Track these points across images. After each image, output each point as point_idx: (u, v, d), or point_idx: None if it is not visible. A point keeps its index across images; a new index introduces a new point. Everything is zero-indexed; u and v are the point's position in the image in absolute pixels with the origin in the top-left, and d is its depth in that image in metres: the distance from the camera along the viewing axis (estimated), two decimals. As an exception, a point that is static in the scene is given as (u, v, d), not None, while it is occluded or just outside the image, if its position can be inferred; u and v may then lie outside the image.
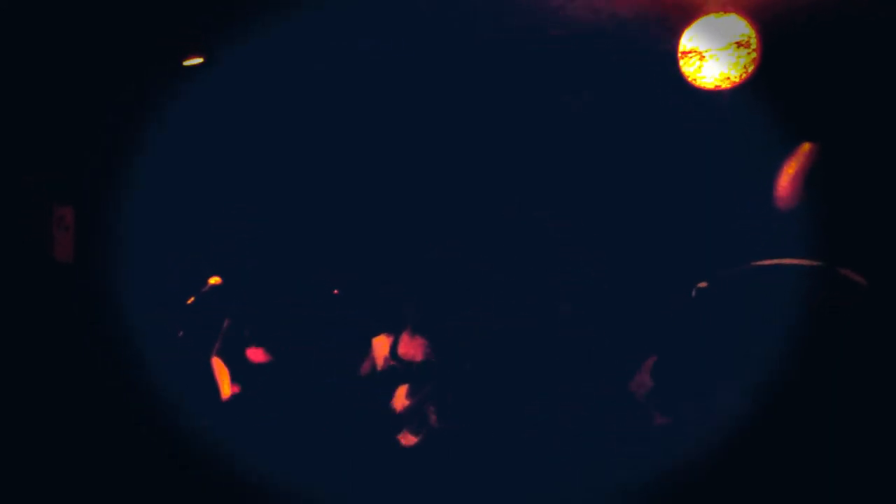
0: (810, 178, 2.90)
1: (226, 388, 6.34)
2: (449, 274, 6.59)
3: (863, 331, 2.68)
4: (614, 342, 5.62)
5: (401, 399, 6.25)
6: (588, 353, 5.67)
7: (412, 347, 6.43)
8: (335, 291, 6.85)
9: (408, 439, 6.16)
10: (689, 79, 5.73)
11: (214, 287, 6.35)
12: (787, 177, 2.95)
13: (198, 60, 6.53)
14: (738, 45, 5.58)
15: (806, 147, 2.97)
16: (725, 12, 5.60)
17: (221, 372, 6.35)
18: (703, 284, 3.04)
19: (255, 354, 6.34)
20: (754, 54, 5.59)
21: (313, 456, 6.02)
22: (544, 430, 5.52)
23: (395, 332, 6.53)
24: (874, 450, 2.63)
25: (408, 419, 6.19)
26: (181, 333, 6.25)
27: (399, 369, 6.36)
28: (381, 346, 6.56)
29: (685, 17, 5.67)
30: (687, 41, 5.68)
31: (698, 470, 2.80)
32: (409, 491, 5.87)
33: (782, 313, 2.75)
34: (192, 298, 6.28)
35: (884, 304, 2.70)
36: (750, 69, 5.61)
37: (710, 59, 5.64)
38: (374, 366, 6.53)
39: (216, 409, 6.12)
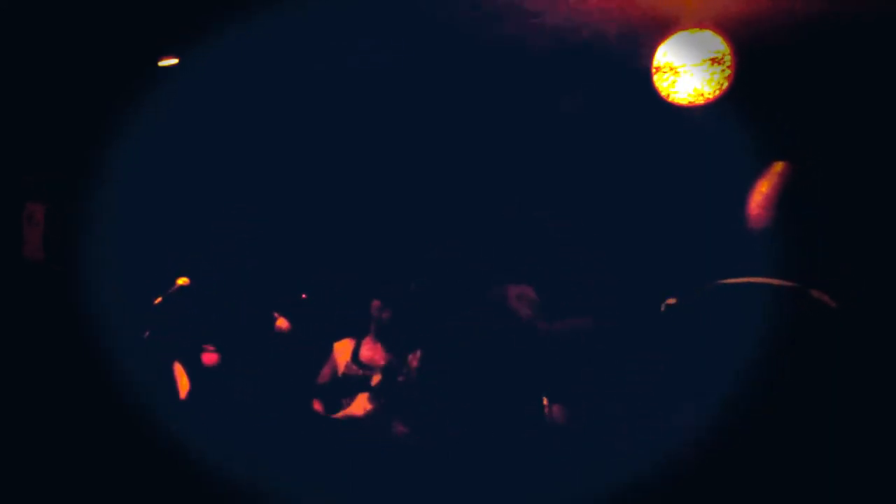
0: (783, 198, 2.91)
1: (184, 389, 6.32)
2: (449, 274, 6.58)
3: (832, 352, 2.69)
4: (608, 345, 5.63)
5: (363, 404, 6.23)
6: (585, 355, 5.67)
7: (375, 352, 6.42)
8: (303, 296, 6.83)
9: (401, 439, 6.14)
10: (663, 94, 5.75)
11: (182, 288, 6.31)
12: (760, 196, 2.96)
13: (173, 61, 6.51)
14: (713, 61, 5.60)
15: (778, 166, 2.99)
16: (700, 28, 5.62)
17: (181, 376, 6.33)
18: (671, 301, 3.05)
19: (210, 358, 6.32)
20: (728, 71, 5.61)
21: (295, 457, 6.00)
22: (541, 431, 5.52)
23: (358, 337, 6.52)
24: (850, 469, 2.65)
25: (370, 426, 6.17)
26: (147, 334, 6.21)
27: (359, 374, 6.34)
28: (343, 349, 6.55)
29: (660, 32, 5.69)
30: (661, 56, 5.70)
31: (673, 483, 2.81)
32: (404, 492, 5.86)
33: (751, 332, 2.76)
34: (160, 299, 6.25)
35: (855, 324, 2.71)
36: (724, 85, 5.63)
37: (685, 75, 5.66)
38: (334, 369, 6.51)
39: (186, 410, 6.09)
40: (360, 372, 6.34)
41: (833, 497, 2.62)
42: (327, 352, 6.59)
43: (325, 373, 6.53)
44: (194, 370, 6.30)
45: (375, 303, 6.49)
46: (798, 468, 2.65)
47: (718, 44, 5.59)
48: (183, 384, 6.30)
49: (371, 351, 6.43)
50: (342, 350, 6.53)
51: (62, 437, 6.03)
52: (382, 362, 6.31)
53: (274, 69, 6.68)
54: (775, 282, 2.80)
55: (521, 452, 5.37)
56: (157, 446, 5.76)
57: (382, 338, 6.44)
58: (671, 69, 5.68)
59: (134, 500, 5.73)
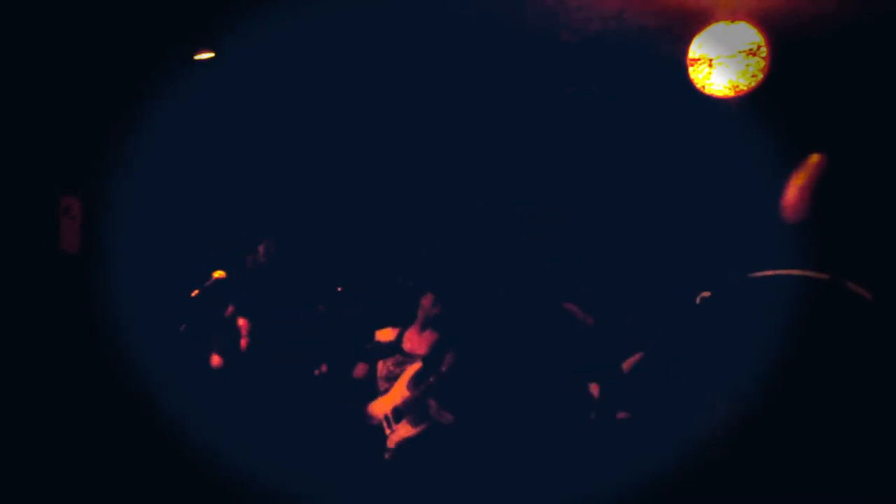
0: (818, 190, 2.90)
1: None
2: (448, 269, 6.60)
3: (866, 343, 2.68)
4: (614, 345, 5.61)
5: (401, 391, 6.25)
6: (587, 354, 5.67)
7: (418, 342, 6.45)
8: (339, 289, 6.86)
9: (406, 432, 6.17)
10: (698, 86, 5.73)
11: (218, 280, 6.35)
12: (795, 188, 2.94)
13: (209, 55, 6.54)
14: (748, 53, 5.58)
15: (814, 158, 2.97)
16: (735, 20, 5.60)
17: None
18: (706, 294, 3.04)
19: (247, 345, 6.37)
20: (763, 63, 5.58)
21: (311, 452, 6.03)
22: (539, 430, 5.52)
23: (402, 326, 6.55)
24: (871, 459, 2.64)
25: (407, 412, 6.20)
26: (183, 327, 6.26)
27: (401, 363, 6.38)
28: (384, 338, 6.58)
29: (695, 25, 5.67)
30: (696, 48, 5.68)
31: (692, 473, 2.80)
32: (404, 488, 5.89)
33: (785, 324, 2.75)
34: (197, 291, 6.29)
35: (889, 316, 2.70)
36: (759, 77, 5.61)
37: (719, 67, 5.64)
38: (374, 359, 6.55)
39: (215, 399, 6.13)
40: (402, 360, 6.38)
41: (866, 486, 2.62)
42: (368, 341, 6.64)
43: (365, 361, 6.58)
44: (229, 361, 6.34)
45: (426, 294, 6.51)
46: (831, 460, 2.65)
47: (753, 36, 5.57)
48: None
49: (413, 341, 6.47)
50: (383, 338, 6.57)
51: (96, 426, 6.08)
52: (423, 352, 6.33)
53: (301, 68, 6.70)
54: (810, 274, 2.79)
55: (558, 442, 5.38)
56: (188, 435, 5.81)
57: (426, 328, 6.46)
58: (706, 61, 5.66)
59: (158, 486, 5.79)
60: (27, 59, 6.12)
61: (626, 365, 5.35)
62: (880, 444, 2.64)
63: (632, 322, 5.73)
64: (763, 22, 5.56)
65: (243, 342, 6.39)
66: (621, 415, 5.29)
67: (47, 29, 6.02)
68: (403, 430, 6.16)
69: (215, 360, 6.38)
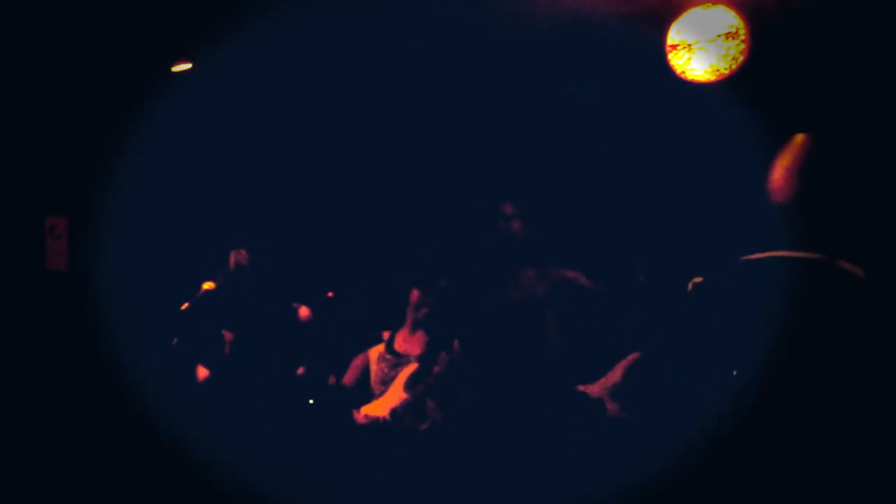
0: (804, 170, 2.89)
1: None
2: (443, 272, 6.58)
3: (860, 323, 2.67)
4: (608, 339, 5.60)
5: (398, 394, 6.23)
6: (581, 351, 5.65)
7: (410, 342, 6.43)
8: (329, 294, 6.84)
9: (406, 435, 6.15)
10: (678, 72, 5.73)
11: (208, 292, 6.33)
12: (781, 169, 2.94)
13: (186, 66, 6.52)
14: (727, 36, 5.58)
15: (799, 139, 2.96)
16: (713, 3, 5.60)
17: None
18: (698, 279, 3.03)
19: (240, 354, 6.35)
20: (743, 45, 5.58)
21: (305, 458, 6.01)
22: (535, 429, 5.51)
23: (393, 328, 6.53)
24: (869, 444, 2.63)
25: (405, 414, 6.17)
26: (175, 340, 6.23)
27: (395, 364, 6.35)
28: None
29: (672, 10, 5.67)
30: (675, 34, 5.68)
31: (690, 468, 2.80)
32: (407, 491, 5.87)
33: (779, 306, 2.74)
34: (186, 305, 6.27)
35: (881, 296, 2.69)
36: (739, 60, 5.61)
37: (699, 52, 5.64)
38: (366, 361, 6.53)
39: (209, 414, 6.10)
40: (395, 361, 6.36)
41: (865, 466, 2.61)
42: (360, 344, 6.62)
43: (358, 364, 6.56)
44: (221, 371, 6.32)
45: (414, 294, 6.48)
46: (829, 441, 2.64)
47: (732, 18, 5.57)
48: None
49: (406, 341, 6.44)
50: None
51: (90, 447, 6.07)
52: (418, 352, 6.31)
53: (285, 70, 6.69)
54: (801, 255, 2.79)
55: (557, 439, 5.37)
56: (184, 451, 5.79)
57: (418, 328, 6.44)
58: (685, 46, 5.65)
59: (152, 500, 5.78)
60: (5, 80, 6.11)
61: (623, 365, 5.35)
62: (879, 427, 2.63)
63: (632, 321, 5.71)
64: (741, 4, 5.56)
65: (228, 349, 6.37)
66: (621, 413, 5.29)
67: (24, 49, 6.01)
68: (403, 434, 6.14)
69: (202, 371, 6.36)
